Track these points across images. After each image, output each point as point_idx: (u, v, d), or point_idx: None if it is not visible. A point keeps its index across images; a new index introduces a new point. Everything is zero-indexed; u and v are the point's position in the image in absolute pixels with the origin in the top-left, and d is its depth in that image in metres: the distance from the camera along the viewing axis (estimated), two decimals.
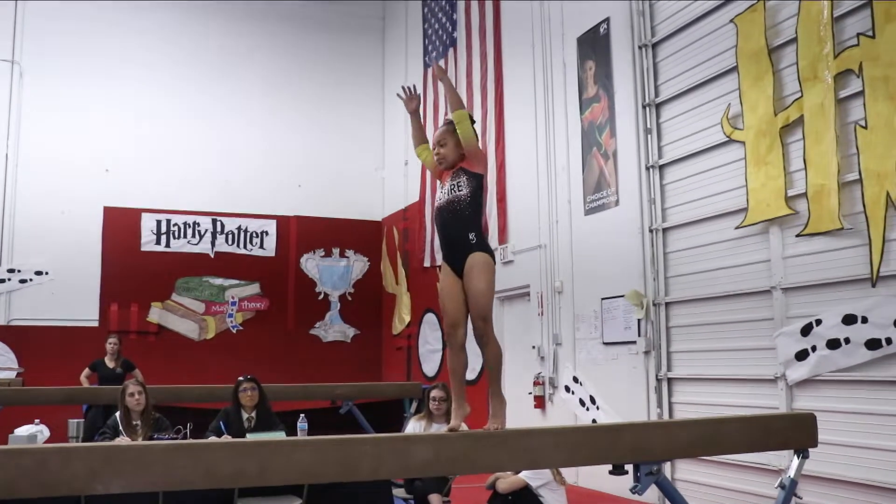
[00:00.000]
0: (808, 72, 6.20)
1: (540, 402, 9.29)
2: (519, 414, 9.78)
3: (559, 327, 9.18)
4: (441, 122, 12.58)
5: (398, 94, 4.02)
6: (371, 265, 14.52)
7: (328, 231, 14.23)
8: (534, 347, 9.45)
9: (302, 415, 6.62)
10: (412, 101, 3.99)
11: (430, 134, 3.90)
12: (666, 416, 7.50)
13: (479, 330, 3.60)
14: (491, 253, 3.71)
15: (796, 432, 4.09)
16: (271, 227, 14.02)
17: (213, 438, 5.88)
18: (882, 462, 5.61)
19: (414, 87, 4.05)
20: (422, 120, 4.06)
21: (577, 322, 8.90)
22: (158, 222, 13.46)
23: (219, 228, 13.77)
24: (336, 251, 14.35)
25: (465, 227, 3.64)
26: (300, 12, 14.46)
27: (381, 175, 14.63)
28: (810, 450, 4.07)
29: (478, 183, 3.68)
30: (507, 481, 5.58)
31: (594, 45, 8.86)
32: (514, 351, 10.15)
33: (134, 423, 6.33)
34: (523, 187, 10.07)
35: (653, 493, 4.47)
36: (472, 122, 3.70)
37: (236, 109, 13.87)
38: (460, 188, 3.66)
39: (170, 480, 2.93)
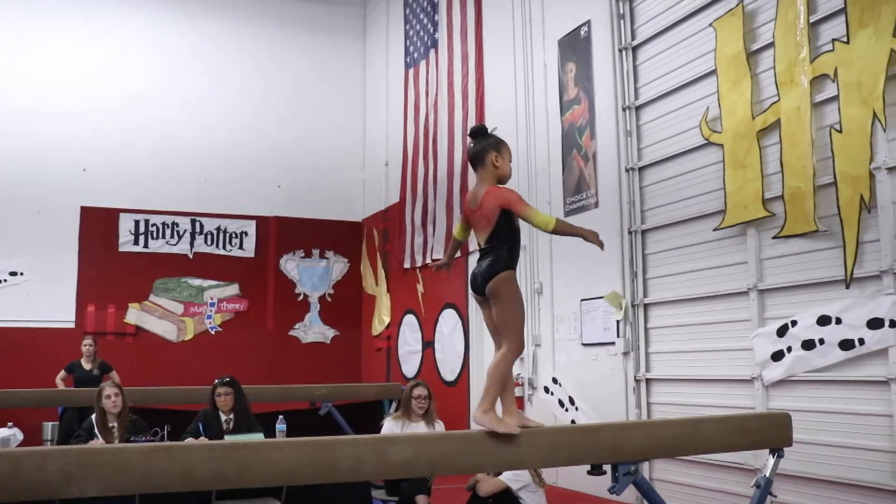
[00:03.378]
0: (785, 76, 6.26)
1: (519, 403, 9.28)
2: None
3: (539, 328, 9.21)
4: (421, 120, 12.54)
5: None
6: (351, 266, 14.49)
7: (308, 232, 14.19)
8: None
9: (281, 416, 6.60)
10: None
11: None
12: (644, 417, 7.54)
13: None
14: None
15: (772, 432, 4.13)
16: (251, 227, 13.96)
17: (190, 440, 5.85)
18: (855, 460, 5.67)
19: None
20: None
21: (557, 323, 8.93)
22: (136, 222, 13.36)
23: (198, 229, 13.68)
24: (316, 252, 14.31)
25: None
26: (280, 12, 14.40)
27: (361, 176, 14.61)
28: (785, 449, 4.12)
29: None
30: (488, 484, 5.58)
31: (575, 47, 8.90)
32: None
33: (110, 425, 6.29)
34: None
35: (631, 493, 4.49)
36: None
37: (215, 109, 13.79)
38: None
39: (146, 483, 2.92)
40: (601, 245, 3.79)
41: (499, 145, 3.71)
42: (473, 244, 10.64)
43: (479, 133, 3.76)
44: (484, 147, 3.71)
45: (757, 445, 4.37)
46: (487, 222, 3.62)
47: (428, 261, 11.83)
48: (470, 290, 3.79)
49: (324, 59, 14.63)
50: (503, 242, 3.61)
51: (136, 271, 13.17)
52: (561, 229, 3.69)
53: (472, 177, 11.21)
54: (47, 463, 2.77)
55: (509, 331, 3.57)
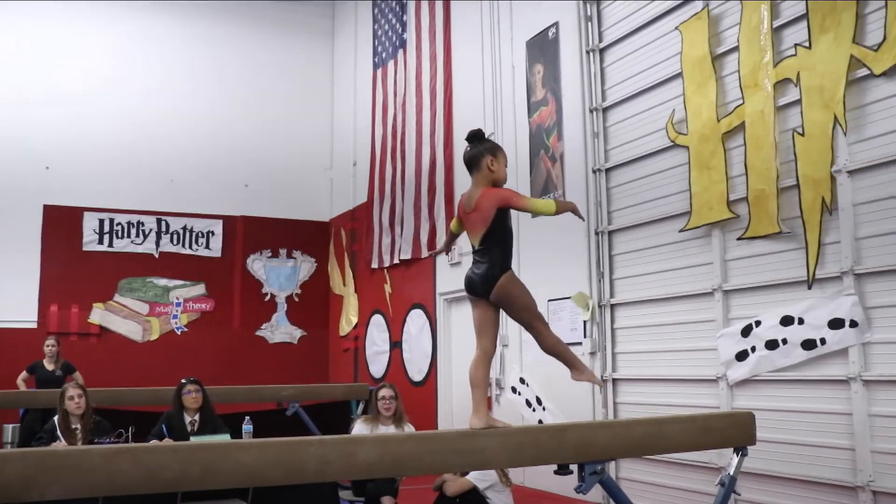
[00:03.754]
0: (749, 79, 6.34)
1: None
2: (466, 414, 9.83)
3: (506, 328, 9.22)
4: (390, 122, 12.48)
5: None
6: (318, 266, 14.44)
7: (275, 231, 14.12)
8: None
9: (247, 417, 6.55)
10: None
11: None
12: (611, 416, 7.60)
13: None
14: None
15: (736, 431, 4.18)
16: (217, 227, 13.85)
17: (154, 442, 5.80)
18: (817, 458, 5.77)
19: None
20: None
21: None
22: (101, 221, 13.21)
23: (163, 228, 13.56)
24: (283, 252, 14.23)
25: None
26: (248, 11, 14.30)
27: (329, 175, 14.56)
28: (749, 447, 4.17)
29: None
30: (455, 484, 5.60)
31: (543, 48, 8.94)
32: (462, 352, 10.19)
33: (73, 427, 6.20)
34: None
35: (597, 492, 4.52)
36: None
37: (182, 108, 13.66)
38: None
39: (110, 485, 2.88)
40: (582, 217, 3.98)
41: (494, 149, 3.83)
42: (440, 245, 10.65)
43: (476, 137, 3.86)
44: (480, 151, 3.82)
45: (721, 444, 4.43)
46: (483, 223, 3.69)
47: (396, 261, 11.82)
48: (465, 290, 3.88)
49: (292, 58, 14.56)
50: (496, 244, 3.69)
51: (101, 271, 13.02)
52: (560, 209, 3.85)
53: (440, 177, 11.29)
54: (7, 466, 2.72)
55: (534, 317, 3.74)
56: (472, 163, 3.83)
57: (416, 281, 11.34)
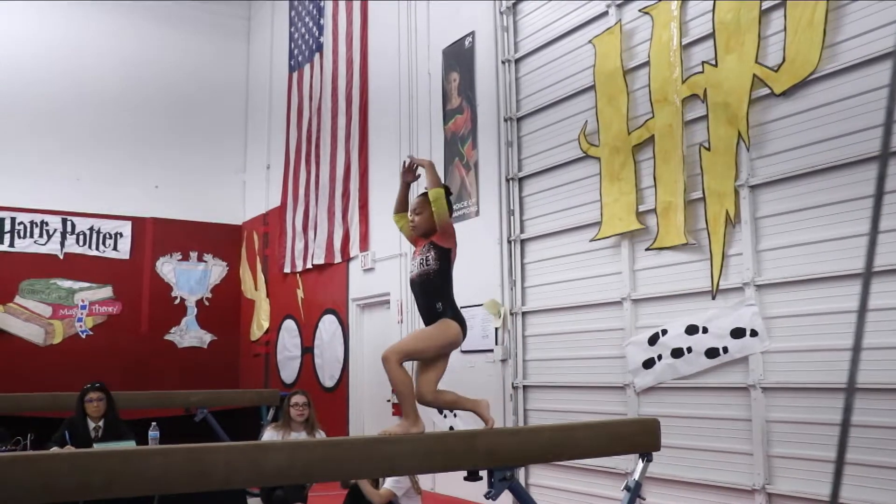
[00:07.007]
0: (659, 94, 6.52)
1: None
2: (378, 421, 9.81)
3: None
4: (305, 126, 12.40)
5: (404, 162, 4.09)
6: (230, 270, 14.20)
7: (186, 234, 13.81)
8: None
9: (153, 423, 6.40)
10: (408, 174, 4.10)
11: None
12: (521, 423, 7.69)
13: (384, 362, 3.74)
14: (459, 321, 3.98)
15: (642, 437, 4.29)
16: (126, 228, 13.48)
17: (55, 449, 5.60)
18: (717, 462, 5.96)
19: (412, 163, 4.08)
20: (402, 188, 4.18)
21: None
22: (2, 220, 12.69)
23: (69, 228, 13.12)
24: (194, 255, 13.94)
25: (433, 297, 3.93)
26: (162, 10, 13.96)
27: (241, 179, 14.34)
28: (654, 453, 4.29)
29: (446, 257, 3.93)
30: (382, 495, 5.58)
31: (459, 57, 9.01)
32: (373, 358, 10.15)
33: None
34: (386, 195, 10.08)
35: (507, 498, 4.58)
36: (449, 197, 3.91)
37: (91, 105, 13.25)
38: (429, 262, 3.91)
39: (4, 496, 2.76)
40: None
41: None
42: (353, 250, 10.59)
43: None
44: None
45: (628, 450, 4.52)
46: None
47: (308, 266, 11.73)
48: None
49: (206, 58, 14.28)
50: None
51: (1, 272, 12.51)
52: None
53: (354, 182, 11.21)
54: None
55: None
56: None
57: (328, 286, 11.26)
